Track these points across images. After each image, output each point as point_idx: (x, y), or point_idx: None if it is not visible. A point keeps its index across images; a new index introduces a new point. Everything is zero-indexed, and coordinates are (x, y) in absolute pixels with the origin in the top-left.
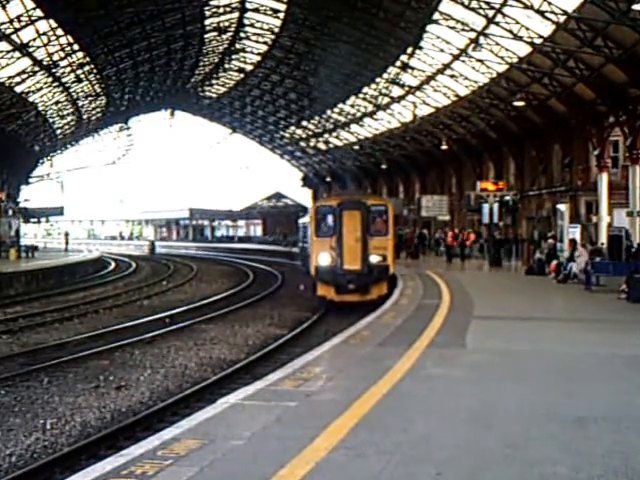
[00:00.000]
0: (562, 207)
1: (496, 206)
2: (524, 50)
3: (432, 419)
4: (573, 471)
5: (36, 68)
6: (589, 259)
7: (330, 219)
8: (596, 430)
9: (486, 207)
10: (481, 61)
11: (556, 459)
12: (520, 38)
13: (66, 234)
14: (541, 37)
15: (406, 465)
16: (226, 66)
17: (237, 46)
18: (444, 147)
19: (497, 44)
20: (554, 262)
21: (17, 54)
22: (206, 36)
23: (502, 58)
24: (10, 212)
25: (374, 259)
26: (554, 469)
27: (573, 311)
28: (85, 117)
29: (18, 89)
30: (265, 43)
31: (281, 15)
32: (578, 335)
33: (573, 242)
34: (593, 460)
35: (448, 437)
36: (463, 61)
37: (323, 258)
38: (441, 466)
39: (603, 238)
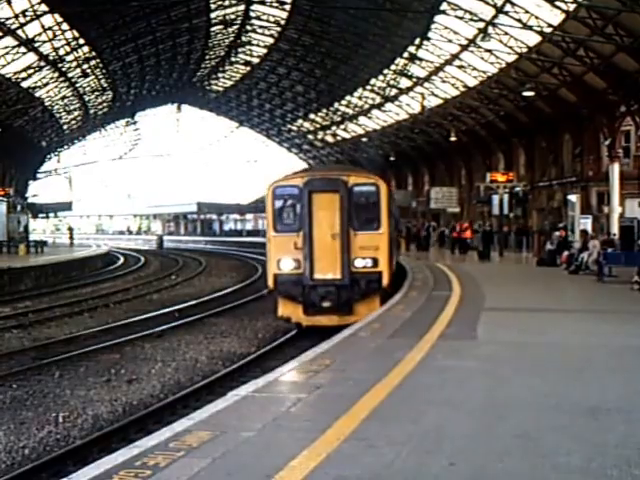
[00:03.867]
0: (573, 198)
1: (506, 197)
2: (533, 39)
3: (444, 410)
4: (585, 462)
5: (42, 63)
6: (601, 250)
7: (294, 206)
8: (608, 421)
9: (496, 198)
10: (490, 51)
11: (568, 450)
12: (529, 27)
13: (70, 229)
14: (551, 26)
15: (418, 456)
16: (232, 59)
17: (243, 39)
18: (453, 138)
19: (506, 34)
20: (565, 253)
21: (23, 49)
22: (212, 29)
23: (511, 48)
24: (18, 208)
25: (360, 264)
26: (567, 459)
27: (585, 302)
28: (92, 112)
29: (24, 84)
30: (271, 36)
31: (287, 7)
32: (590, 326)
33: (585, 233)
34: (605, 451)
35: (460, 428)
36: (472, 51)
37: (285, 263)
38: (453, 457)
39: (615, 229)
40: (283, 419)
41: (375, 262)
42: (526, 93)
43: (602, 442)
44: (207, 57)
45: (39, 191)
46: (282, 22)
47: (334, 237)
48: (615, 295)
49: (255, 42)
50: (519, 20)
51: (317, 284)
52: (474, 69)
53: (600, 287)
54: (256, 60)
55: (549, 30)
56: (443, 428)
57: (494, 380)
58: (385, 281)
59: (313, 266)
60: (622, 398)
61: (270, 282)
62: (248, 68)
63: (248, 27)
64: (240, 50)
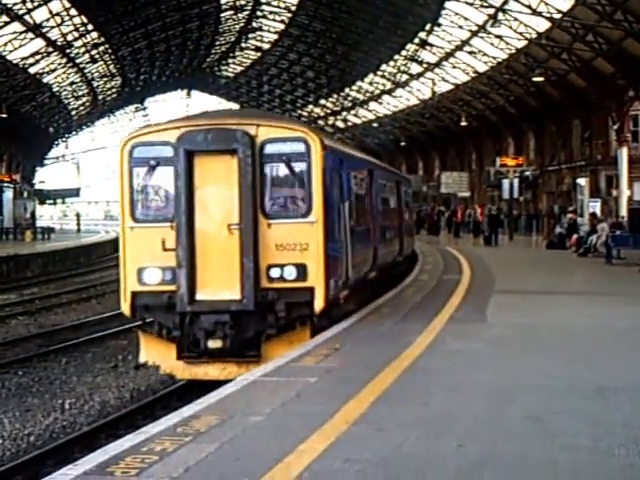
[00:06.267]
0: (582, 181)
1: (516, 181)
2: (543, 25)
3: (453, 393)
4: (594, 441)
5: (50, 49)
6: (609, 232)
7: (163, 178)
8: (616, 401)
9: (506, 182)
10: (500, 37)
11: (577, 430)
12: (539, 13)
13: (77, 215)
14: (560, 12)
15: (427, 438)
16: (243, 45)
17: (254, 25)
18: (464, 123)
19: (516, 20)
20: (574, 236)
21: (30, 35)
22: (222, 15)
23: (521, 34)
24: (25, 194)
25: (276, 274)
26: (575, 440)
27: (594, 284)
28: (100, 98)
29: (32, 70)
30: (282, 21)
31: None
32: (598, 308)
33: (593, 216)
34: (613, 430)
35: (469, 411)
36: (482, 37)
37: (149, 275)
38: (462, 439)
39: (623, 212)
40: (292, 403)
41: (302, 271)
42: (536, 78)
43: (610, 422)
44: (217, 43)
45: (47, 177)
46: (293, 8)
47: (230, 230)
48: (623, 277)
49: (266, 28)
50: (529, 6)
51: (201, 310)
52: (484, 55)
53: (608, 269)
54: (267, 46)
55: (558, 16)
56: (452, 411)
57: (503, 362)
58: (319, 303)
59: (194, 279)
60: (630, 378)
61: (124, 305)
62: (259, 54)
63: (258, 13)
64: (251, 36)
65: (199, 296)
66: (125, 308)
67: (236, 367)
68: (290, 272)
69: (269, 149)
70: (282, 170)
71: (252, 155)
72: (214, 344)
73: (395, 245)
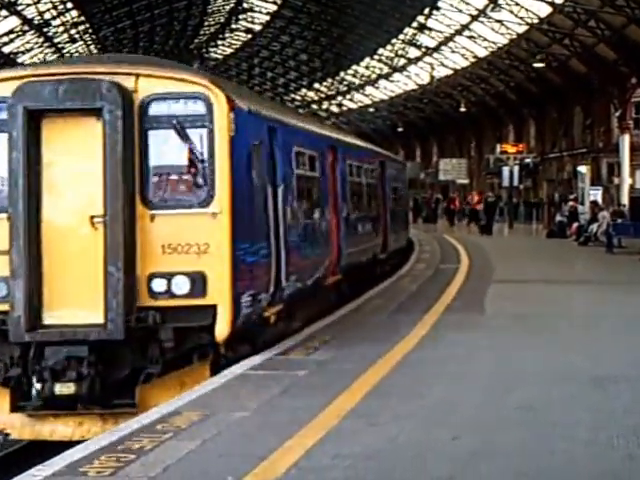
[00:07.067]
0: (583, 169)
1: (516, 169)
2: (544, 10)
3: (449, 384)
4: (593, 431)
5: (26, 27)
6: (611, 221)
7: None
8: (615, 390)
9: (506, 170)
10: (500, 22)
11: (576, 420)
12: None
13: None
14: None
15: (422, 430)
16: (233, 26)
17: (244, 5)
18: (463, 109)
19: (517, 4)
20: (575, 224)
21: (4, 12)
22: None
23: (522, 18)
24: None
25: (160, 288)
26: (574, 430)
27: (594, 273)
28: None
29: (6, 50)
30: (274, 2)
31: None
32: (599, 297)
33: (595, 204)
34: (612, 419)
35: (466, 401)
36: (482, 22)
37: None
38: (458, 430)
39: (625, 200)
40: (280, 398)
41: (199, 283)
42: (537, 64)
43: (609, 411)
44: (206, 23)
45: None
46: None
47: (93, 224)
48: (624, 266)
49: (257, 9)
50: None
51: (46, 340)
52: (484, 40)
53: (609, 258)
54: (258, 27)
55: (560, 1)
56: (448, 402)
57: (501, 353)
58: (223, 327)
59: (38, 296)
60: (630, 367)
61: None
62: (249, 35)
63: None
64: (241, 17)
65: (46, 319)
66: None
67: (99, 422)
68: (181, 284)
69: (154, 110)
70: (172, 140)
71: (126, 117)
72: (64, 389)
73: (375, 240)
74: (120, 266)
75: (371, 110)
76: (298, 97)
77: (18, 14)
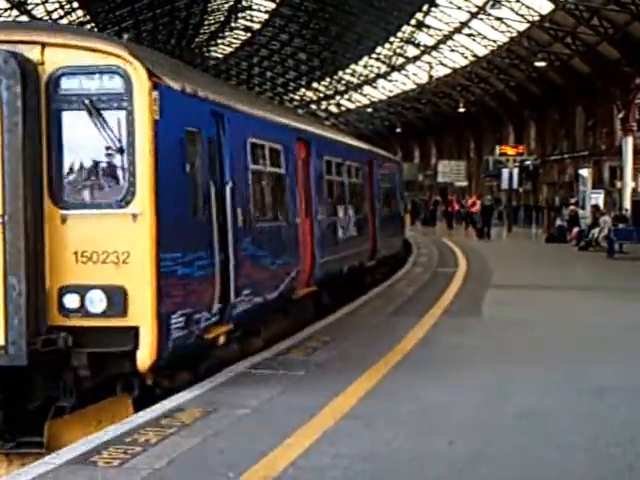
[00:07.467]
0: (584, 172)
1: (516, 171)
2: (546, 7)
3: (445, 389)
4: (590, 440)
5: None
6: (612, 226)
7: None
8: (614, 400)
9: (505, 172)
10: (500, 19)
11: (573, 429)
12: None
13: None
14: None
15: (417, 434)
16: (232, 25)
17: (244, 3)
18: (462, 109)
19: (517, 1)
20: (576, 229)
21: (15, 12)
22: None
23: (522, 16)
24: None
25: (74, 303)
26: (570, 439)
27: (594, 279)
28: None
29: None
30: (273, 0)
31: None
32: (598, 304)
33: (596, 208)
34: (610, 429)
35: (461, 407)
36: (482, 19)
37: None
38: (453, 436)
39: (627, 204)
40: (280, 397)
41: (118, 300)
42: (538, 63)
43: (607, 421)
44: (206, 22)
45: None
46: None
47: None
48: (625, 272)
49: (256, 7)
50: None
51: None
52: (484, 38)
53: (610, 264)
54: (257, 26)
55: None
56: (444, 407)
57: (498, 358)
58: (146, 353)
59: None
60: (629, 376)
61: None
62: (249, 34)
63: None
64: (240, 15)
65: None
66: None
67: (4, 463)
68: (97, 301)
69: (65, 87)
70: (87, 124)
71: (29, 96)
72: None
73: (361, 246)
74: (23, 277)
75: (369, 110)
76: (297, 97)
77: (28, 13)
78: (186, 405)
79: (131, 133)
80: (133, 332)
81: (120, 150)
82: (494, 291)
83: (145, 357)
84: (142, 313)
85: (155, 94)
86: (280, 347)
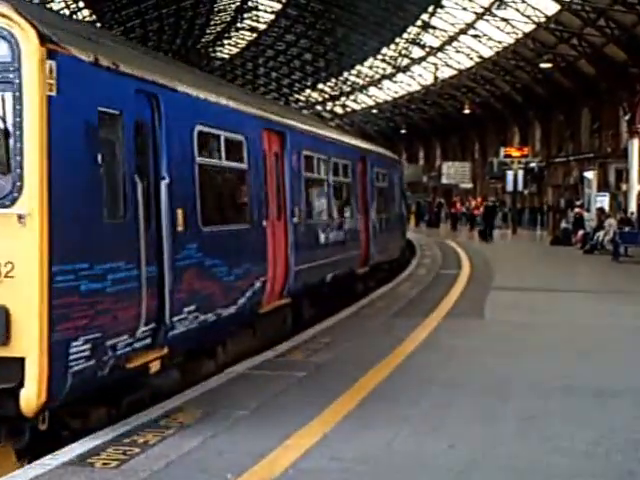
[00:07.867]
0: (590, 175)
1: (521, 173)
2: (552, 8)
3: (446, 391)
4: (591, 445)
5: None
6: (617, 229)
7: None
8: (616, 403)
9: (510, 174)
10: (506, 20)
11: (574, 433)
12: None
13: None
14: None
15: (417, 437)
16: (238, 25)
17: (250, 4)
18: (467, 111)
19: (523, 2)
20: (580, 232)
21: None
22: None
23: (528, 17)
24: None
25: None
26: (571, 443)
27: (598, 282)
28: None
29: None
30: (279, 1)
31: None
32: (602, 307)
33: (601, 211)
34: (612, 434)
35: (462, 409)
36: (487, 20)
37: None
38: (454, 438)
39: (633, 207)
40: (279, 398)
41: None
42: (543, 65)
43: (609, 425)
44: (212, 23)
45: None
46: None
47: None
48: (630, 275)
49: (262, 8)
50: None
51: None
52: (489, 39)
53: (615, 267)
54: (263, 27)
55: None
56: (445, 409)
57: (499, 361)
58: (33, 392)
59: None
60: (632, 379)
61: None
62: (254, 35)
63: None
64: (246, 16)
65: None
66: None
67: None
68: None
69: None
70: None
71: None
72: None
73: (350, 252)
74: None
75: (374, 111)
76: (302, 98)
77: None
78: (185, 406)
79: (19, 112)
80: (17, 365)
81: (5, 134)
82: (497, 293)
83: (31, 397)
84: (28, 341)
85: (50, 64)
86: (281, 348)
